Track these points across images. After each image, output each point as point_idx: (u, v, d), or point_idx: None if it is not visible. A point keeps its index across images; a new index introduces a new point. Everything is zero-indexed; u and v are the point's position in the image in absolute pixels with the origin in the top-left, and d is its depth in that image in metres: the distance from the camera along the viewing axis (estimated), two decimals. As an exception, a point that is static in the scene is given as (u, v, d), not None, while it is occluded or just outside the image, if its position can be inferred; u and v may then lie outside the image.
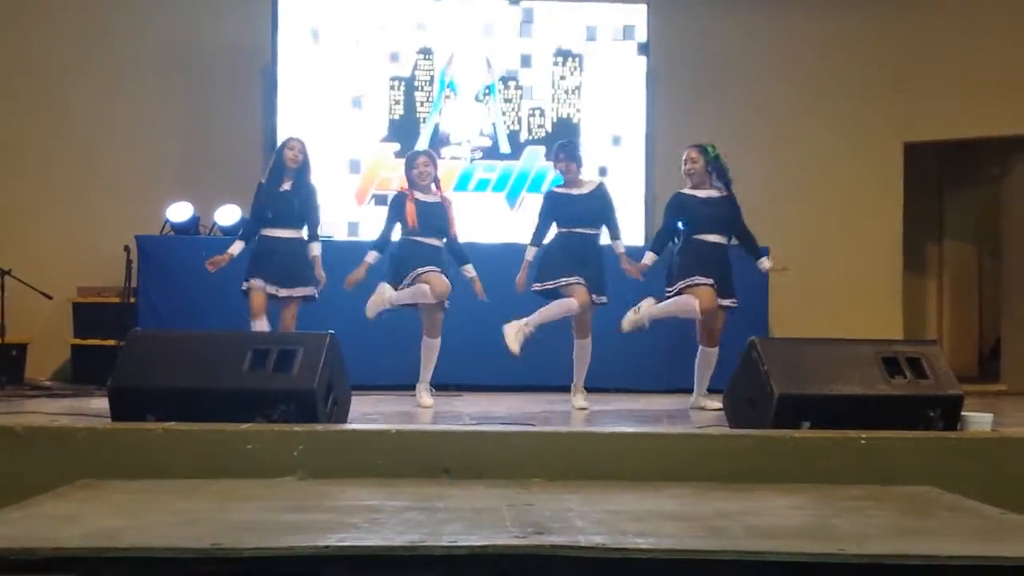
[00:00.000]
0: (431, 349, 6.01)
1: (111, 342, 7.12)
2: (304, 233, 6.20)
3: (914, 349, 4.47)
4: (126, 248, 7.44)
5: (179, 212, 7.75)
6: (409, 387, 6.13)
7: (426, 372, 6.03)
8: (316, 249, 6.18)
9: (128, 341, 4.28)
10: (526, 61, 8.33)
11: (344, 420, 4.37)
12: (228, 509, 2.95)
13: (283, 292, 6.05)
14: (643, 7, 8.35)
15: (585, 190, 6.04)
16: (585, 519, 2.80)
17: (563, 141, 6.35)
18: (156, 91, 8.37)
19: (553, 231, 6.06)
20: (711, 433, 4.00)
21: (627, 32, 8.37)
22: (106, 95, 8.30)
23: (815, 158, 8.75)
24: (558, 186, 6.12)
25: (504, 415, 5.34)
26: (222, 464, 3.56)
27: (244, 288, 6.08)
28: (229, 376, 4.05)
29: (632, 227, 8.11)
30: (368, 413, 5.08)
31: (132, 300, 7.43)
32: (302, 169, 6.22)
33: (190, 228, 7.76)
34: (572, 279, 5.80)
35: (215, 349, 4.21)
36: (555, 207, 6.02)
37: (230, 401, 3.93)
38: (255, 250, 6.14)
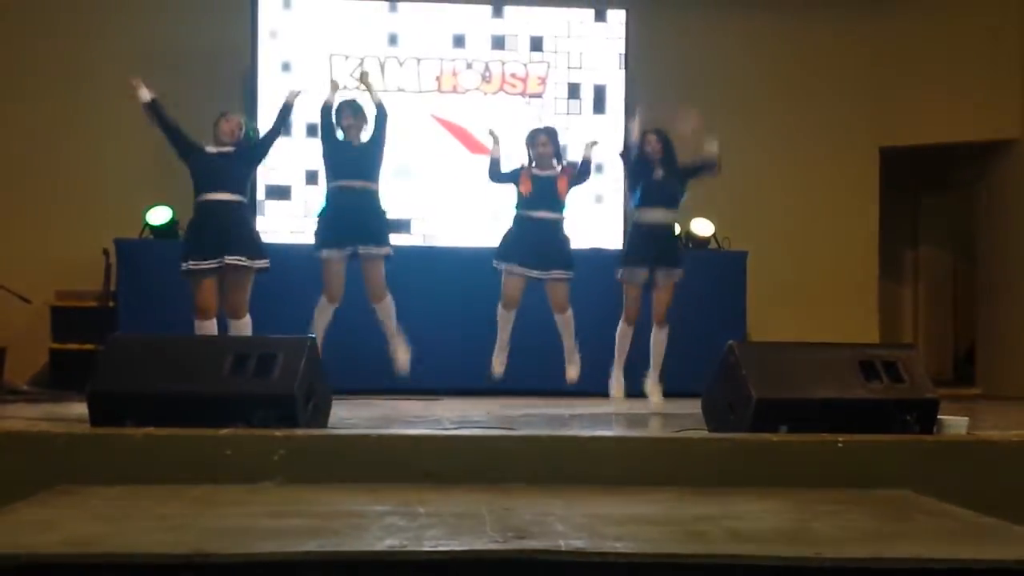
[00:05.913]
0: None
1: (90, 346, 7.08)
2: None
3: (891, 353, 4.49)
4: (105, 251, 7.39)
5: (158, 215, 7.72)
6: (390, 391, 6.09)
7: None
8: None
9: (108, 345, 4.26)
10: (504, 63, 8.34)
11: (324, 425, 4.37)
12: (208, 514, 2.94)
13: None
14: (622, 12, 8.39)
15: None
16: (565, 523, 2.81)
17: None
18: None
19: None
20: (690, 437, 4.03)
21: (606, 36, 8.40)
22: (85, 97, 8.25)
23: (792, 162, 8.81)
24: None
25: (483, 419, 5.33)
26: (202, 469, 3.55)
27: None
28: (209, 381, 4.03)
29: (612, 229, 8.14)
30: (348, 418, 5.07)
31: (111, 304, 7.39)
32: None
33: (169, 231, 7.73)
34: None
35: (195, 354, 4.20)
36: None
37: (210, 406, 3.91)
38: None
